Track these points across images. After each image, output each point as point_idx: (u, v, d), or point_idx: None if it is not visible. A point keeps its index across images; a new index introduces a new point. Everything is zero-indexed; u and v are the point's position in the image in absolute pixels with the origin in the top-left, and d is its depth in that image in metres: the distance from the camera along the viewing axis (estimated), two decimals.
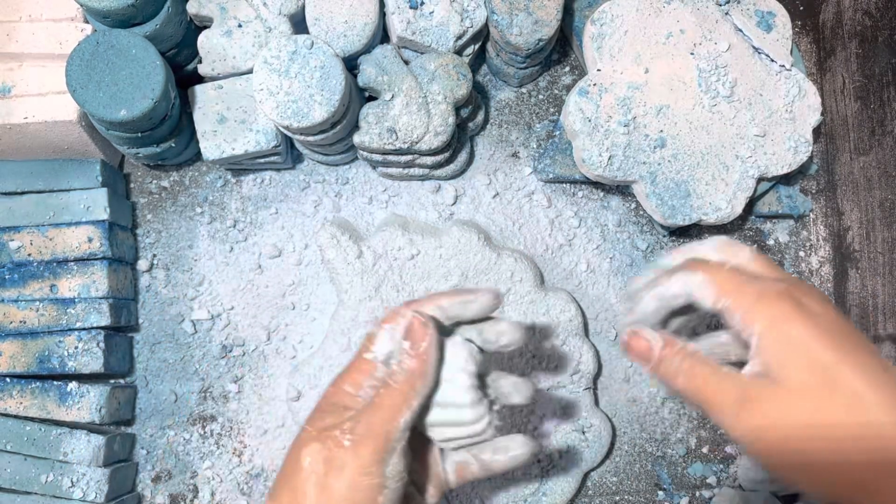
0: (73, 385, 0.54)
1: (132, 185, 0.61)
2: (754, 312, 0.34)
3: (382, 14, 0.55)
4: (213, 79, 0.55)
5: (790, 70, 0.57)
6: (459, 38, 0.55)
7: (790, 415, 0.32)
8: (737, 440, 0.34)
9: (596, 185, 0.61)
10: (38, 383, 0.54)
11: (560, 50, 0.63)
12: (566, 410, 0.57)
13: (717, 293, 0.35)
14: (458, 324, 0.41)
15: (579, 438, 0.57)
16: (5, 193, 0.56)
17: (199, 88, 0.54)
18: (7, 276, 0.55)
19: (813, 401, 0.32)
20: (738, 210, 0.56)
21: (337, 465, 0.35)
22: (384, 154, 0.55)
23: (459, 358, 0.39)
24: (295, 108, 0.50)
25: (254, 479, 0.57)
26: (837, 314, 0.34)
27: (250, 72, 0.54)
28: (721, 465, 0.60)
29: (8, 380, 0.54)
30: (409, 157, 0.56)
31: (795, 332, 0.33)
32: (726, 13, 0.57)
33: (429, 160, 0.56)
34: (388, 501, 0.36)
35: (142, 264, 0.59)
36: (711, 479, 0.59)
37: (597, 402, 0.59)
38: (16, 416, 0.53)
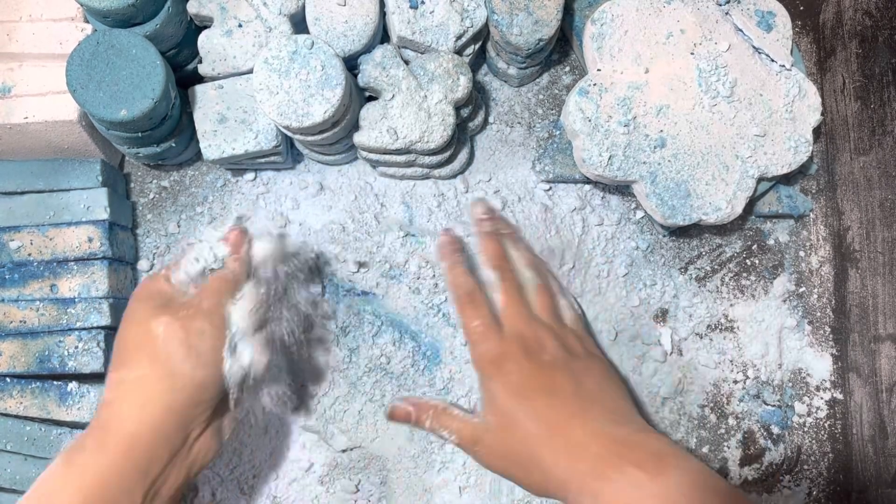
0: (73, 385, 0.54)
1: (132, 185, 0.61)
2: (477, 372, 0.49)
3: (382, 14, 0.55)
4: (213, 79, 0.55)
5: (790, 70, 0.57)
6: (459, 37, 0.55)
7: (495, 446, 0.47)
8: (477, 462, 0.49)
9: (596, 184, 0.61)
10: (38, 383, 0.54)
11: (560, 50, 0.63)
12: None
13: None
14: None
15: None
16: (5, 193, 0.56)
17: (199, 88, 0.54)
18: (7, 276, 0.55)
19: (503, 436, 0.47)
20: (738, 210, 0.56)
21: (196, 331, 0.43)
22: (384, 154, 0.55)
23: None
24: (295, 108, 0.50)
25: (254, 478, 0.57)
26: (532, 369, 0.47)
27: (250, 72, 0.54)
28: (718, 466, 0.60)
29: (8, 380, 0.54)
30: (409, 157, 0.56)
31: (493, 389, 0.47)
32: (726, 13, 0.57)
33: (428, 160, 0.56)
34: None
35: (142, 264, 0.59)
36: None
37: None
38: (16, 416, 0.53)
